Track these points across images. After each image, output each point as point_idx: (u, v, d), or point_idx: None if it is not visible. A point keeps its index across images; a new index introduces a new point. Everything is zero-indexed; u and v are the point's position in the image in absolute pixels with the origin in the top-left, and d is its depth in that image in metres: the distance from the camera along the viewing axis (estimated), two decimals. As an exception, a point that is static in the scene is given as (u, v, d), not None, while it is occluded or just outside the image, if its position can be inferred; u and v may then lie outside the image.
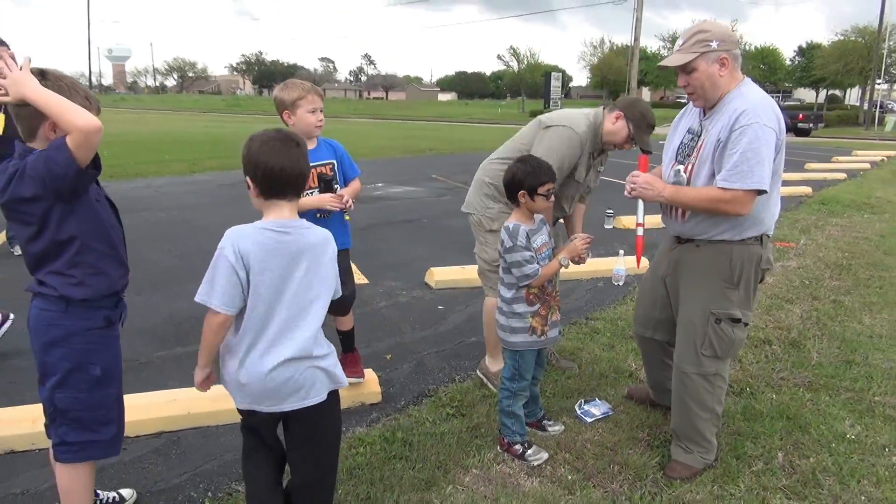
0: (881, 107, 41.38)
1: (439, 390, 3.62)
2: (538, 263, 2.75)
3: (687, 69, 2.60)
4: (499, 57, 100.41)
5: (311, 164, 3.11)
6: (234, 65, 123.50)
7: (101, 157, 2.10)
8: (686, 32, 2.65)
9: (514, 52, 77.90)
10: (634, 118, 3.26)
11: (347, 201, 3.10)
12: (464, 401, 3.46)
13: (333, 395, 2.20)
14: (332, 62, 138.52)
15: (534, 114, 51.38)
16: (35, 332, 2.10)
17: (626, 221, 7.98)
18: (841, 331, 4.61)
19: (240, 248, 1.94)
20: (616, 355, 4.11)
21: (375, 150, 18.42)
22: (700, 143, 2.68)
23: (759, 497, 2.70)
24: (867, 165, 16.85)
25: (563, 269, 2.86)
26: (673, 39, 57.97)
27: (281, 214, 2.04)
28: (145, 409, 3.11)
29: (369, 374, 3.60)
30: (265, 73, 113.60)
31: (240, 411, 2.17)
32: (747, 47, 61.30)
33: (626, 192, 2.80)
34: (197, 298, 1.96)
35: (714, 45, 2.54)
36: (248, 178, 2.02)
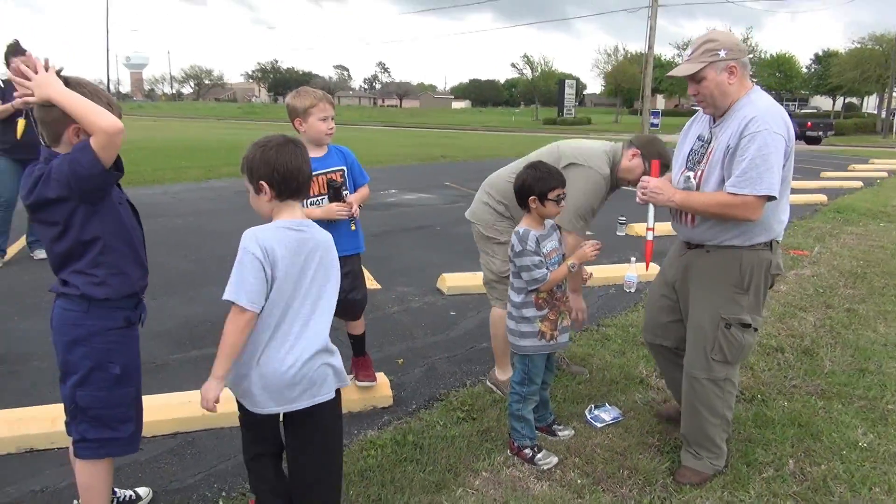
0: (899, 115, 40.97)
1: (450, 394, 3.65)
2: (547, 268, 2.78)
3: (696, 78, 2.63)
4: (513, 65, 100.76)
5: (322, 171, 3.18)
6: (250, 72, 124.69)
7: (120, 163, 2.15)
8: (695, 42, 2.69)
9: (528, 60, 77.84)
10: (651, 157, 3.32)
11: (355, 210, 3.13)
12: (474, 405, 3.49)
13: (336, 396, 2.25)
14: (347, 70, 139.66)
15: (548, 122, 51.66)
16: (58, 331, 2.16)
17: (639, 229, 7.98)
18: (855, 339, 4.59)
19: (265, 246, 1.99)
20: (627, 361, 4.12)
21: (389, 157, 18.53)
22: (710, 149, 2.70)
23: (770, 503, 2.71)
24: (884, 174, 16.70)
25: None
26: (687, 47, 57.81)
27: (294, 214, 2.11)
28: (161, 410, 3.16)
29: (381, 377, 3.64)
30: (280, 81, 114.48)
31: (240, 406, 2.19)
32: (763, 55, 60.97)
33: (637, 198, 2.83)
34: (226, 296, 1.98)
35: (722, 54, 2.58)
36: (262, 182, 2.06)
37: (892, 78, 40.74)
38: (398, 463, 2.92)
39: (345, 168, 3.30)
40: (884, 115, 42.15)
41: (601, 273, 5.68)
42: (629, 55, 65.72)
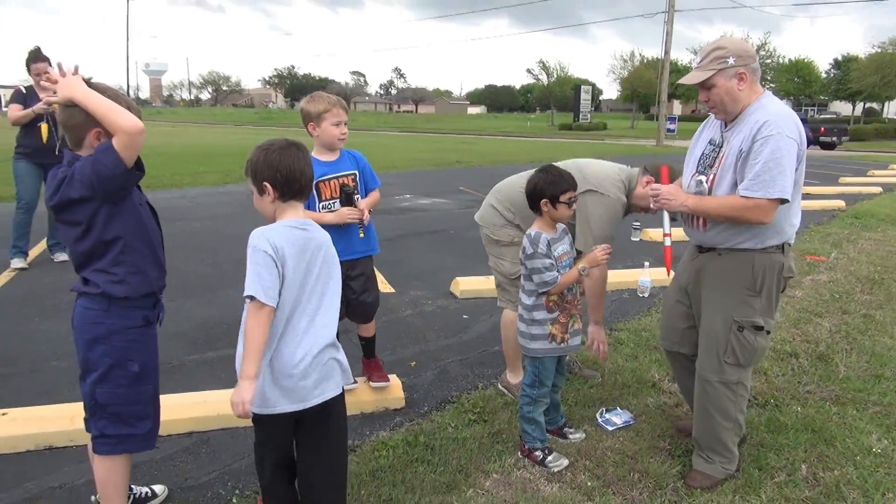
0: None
1: (462, 397, 3.67)
2: (558, 271, 2.80)
3: (706, 85, 2.65)
4: (528, 70, 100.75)
5: (334, 175, 3.22)
6: (267, 78, 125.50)
7: (138, 168, 2.21)
8: (703, 50, 2.71)
9: (544, 66, 77.86)
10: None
11: (366, 216, 3.18)
12: (486, 407, 3.51)
13: (341, 398, 2.31)
14: (363, 76, 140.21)
15: (563, 127, 51.57)
16: (79, 329, 2.22)
17: (653, 234, 7.96)
18: (871, 345, 4.55)
19: (274, 244, 2.05)
20: (639, 366, 4.11)
21: (404, 162, 18.61)
22: (722, 154, 2.71)
23: (781, 508, 2.70)
24: (904, 179, 16.51)
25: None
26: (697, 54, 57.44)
27: (297, 214, 2.18)
28: (177, 409, 3.21)
29: (393, 379, 3.67)
30: (297, 87, 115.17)
31: (255, 419, 2.20)
32: (781, 60, 60.51)
33: (651, 205, 2.84)
34: (248, 292, 2.02)
35: (731, 61, 2.60)
36: (265, 183, 2.12)
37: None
38: (409, 463, 2.95)
39: (356, 172, 3.33)
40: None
41: (615, 277, 5.68)
42: (645, 60, 65.52)
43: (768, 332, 2.79)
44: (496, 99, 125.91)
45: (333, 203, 3.23)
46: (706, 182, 2.76)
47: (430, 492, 2.74)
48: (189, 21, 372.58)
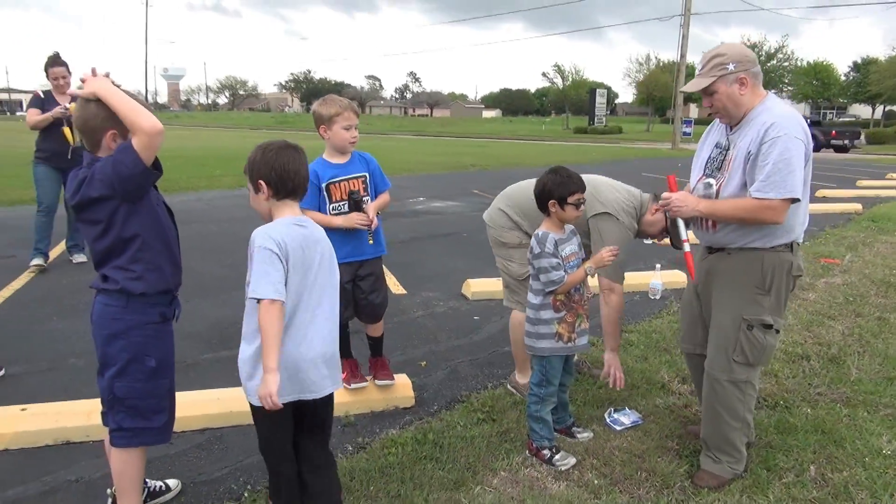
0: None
1: (471, 396, 3.70)
2: (565, 271, 2.83)
3: (708, 91, 2.70)
4: (543, 74, 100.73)
5: (344, 177, 3.27)
6: (283, 83, 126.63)
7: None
8: (704, 57, 2.76)
9: (559, 69, 77.64)
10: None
11: (373, 223, 3.23)
12: (495, 406, 3.54)
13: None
14: (379, 80, 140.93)
15: (578, 130, 51.44)
16: (98, 325, 2.29)
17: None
18: (884, 348, 4.52)
19: (278, 240, 2.13)
20: (649, 367, 4.12)
21: (419, 165, 18.69)
22: (729, 156, 2.74)
23: (788, 508, 2.70)
24: (924, 182, 16.32)
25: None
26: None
27: (294, 212, 2.26)
28: (191, 406, 3.27)
29: (403, 378, 3.71)
30: (313, 91, 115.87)
31: (261, 418, 2.29)
32: (799, 63, 59.98)
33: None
34: (253, 295, 2.07)
35: (731, 67, 2.64)
36: (260, 182, 2.21)
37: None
38: (418, 461, 2.98)
39: (367, 174, 3.36)
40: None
41: (627, 280, 5.67)
42: (661, 64, 65.25)
43: (777, 331, 2.80)
44: (511, 102, 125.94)
45: (343, 205, 3.28)
46: (715, 185, 2.79)
47: (438, 488, 2.78)
48: (206, 26, 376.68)
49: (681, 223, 2.87)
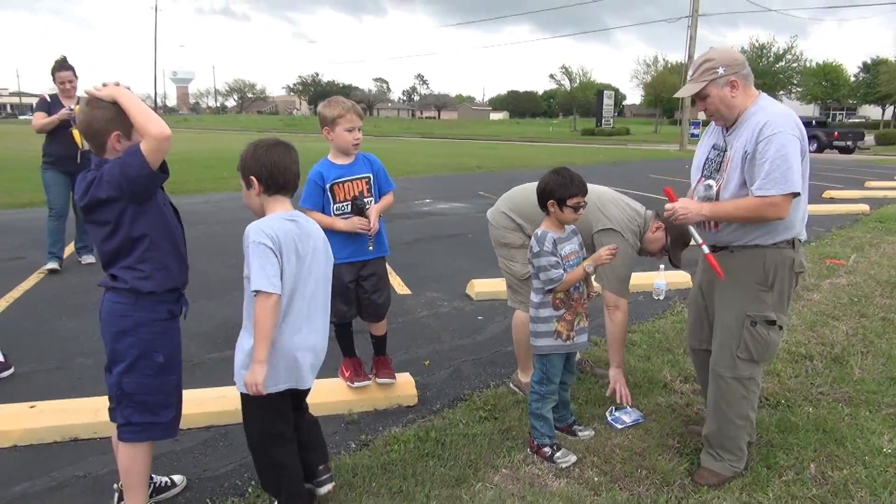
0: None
1: (474, 395, 3.74)
2: (565, 270, 2.86)
3: (700, 96, 2.76)
4: (551, 76, 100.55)
5: (349, 178, 3.31)
6: (291, 86, 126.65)
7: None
8: (694, 63, 2.81)
9: (567, 71, 77.74)
10: (674, 233, 3.42)
11: (373, 228, 3.27)
12: (497, 405, 3.56)
13: None
14: (386, 82, 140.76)
15: (586, 132, 51.37)
16: (107, 322, 2.34)
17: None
18: (888, 348, 4.52)
19: (272, 235, 2.21)
20: (651, 366, 4.14)
21: (425, 167, 18.74)
22: (727, 157, 2.78)
23: (787, 505, 2.72)
24: (933, 183, 16.22)
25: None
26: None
27: (285, 207, 2.35)
28: (197, 404, 3.31)
29: (406, 377, 3.75)
30: (321, 94, 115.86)
31: (259, 403, 2.40)
32: (808, 63, 59.68)
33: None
34: (255, 287, 2.17)
35: (721, 70, 2.69)
36: (251, 178, 2.32)
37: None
38: (420, 458, 3.02)
39: (371, 175, 3.39)
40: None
41: (631, 280, 5.69)
42: (669, 65, 65.10)
43: (781, 328, 2.83)
44: (519, 104, 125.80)
45: (347, 205, 3.31)
46: (715, 186, 2.82)
47: (439, 485, 2.81)
48: (215, 30, 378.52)
49: (692, 229, 2.90)
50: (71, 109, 5.78)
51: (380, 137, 42.41)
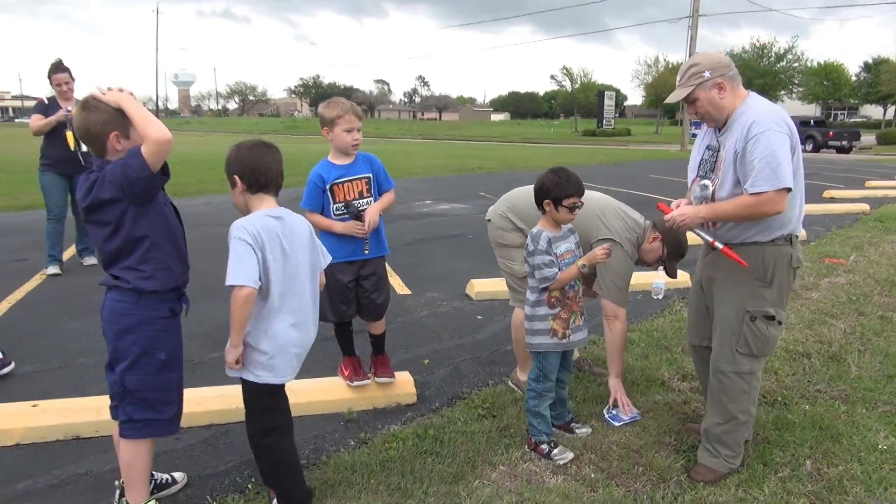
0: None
1: (472, 393, 3.76)
2: (559, 269, 2.89)
3: (689, 100, 2.80)
4: (552, 77, 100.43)
5: (348, 178, 3.34)
6: (293, 88, 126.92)
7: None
8: (682, 69, 2.86)
9: (568, 72, 77.72)
10: (670, 245, 3.46)
11: (369, 229, 3.31)
12: (495, 403, 3.59)
13: None
14: (387, 84, 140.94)
15: (587, 133, 51.37)
16: (109, 320, 2.37)
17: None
18: (885, 346, 4.54)
19: (252, 232, 2.30)
20: (649, 364, 4.16)
21: (427, 168, 18.77)
22: (720, 157, 2.82)
23: (783, 501, 2.74)
24: (933, 183, 16.21)
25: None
26: (730, 57, 56.76)
27: (269, 205, 2.42)
28: (197, 403, 3.34)
29: (406, 376, 3.77)
30: (322, 96, 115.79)
31: (262, 392, 2.52)
32: (809, 63, 59.65)
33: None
34: (228, 282, 2.27)
35: (707, 74, 2.74)
36: (235, 177, 2.40)
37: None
38: (419, 455, 3.04)
39: (370, 175, 3.40)
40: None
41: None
42: (670, 66, 65.05)
43: (780, 323, 2.87)
44: (520, 106, 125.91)
45: (343, 205, 3.34)
46: (710, 185, 2.86)
47: (437, 482, 2.83)
48: (216, 33, 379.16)
49: (699, 232, 2.93)
50: (68, 111, 5.79)
51: (381, 139, 42.46)
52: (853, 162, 24.22)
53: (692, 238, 3.21)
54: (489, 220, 3.79)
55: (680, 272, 6.18)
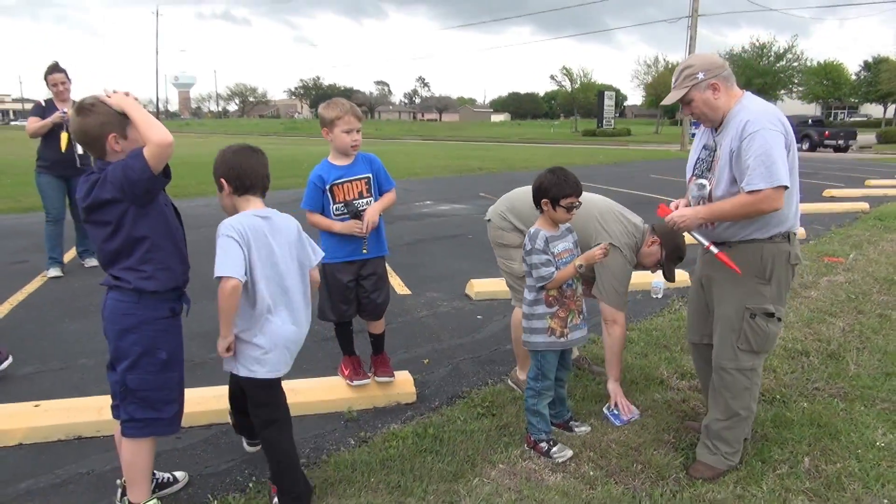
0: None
1: (472, 392, 3.78)
2: (557, 268, 2.91)
3: (685, 101, 2.84)
4: (552, 77, 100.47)
5: (348, 179, 3.36)
6: (293, 89, 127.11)
7: (166, 177, 2.40)
8: (676, 71, 2.89)
9: (568, 72, 77.66)
10: (668, 248, 3.46)
11: (368, 228, 3.32)
12: (495, 402, 3.61)
13: None
14: (388, 85, 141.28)
15: (587, 133, 51.40)
16: (110, 320, 2.39)
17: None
18: (884, 344, 4.55)
19: (238, 229, 2.39)
20: (648, 363, 4.18)
21: (426, 169, 18.79)
22: (717, 156, 2.85)
23: (781, 498, 2.75)
24: (933, 181, 16.22)
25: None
26: (730, 57, 56.85)
27: (256, 205, 2.51)
28: (198, 403, 3.36)
29: (405, 375, 3.79)
30: (322, 97, 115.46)
31: (263, 388, 2.60)
32: (809, 63, 59.62)
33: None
34: (217, 273, 2.34)
35: (701, 76, 2.77)
36: (222, 180, 2.50)
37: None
38: (418, 454, 3.06)
39: (371, 175, 3.42)
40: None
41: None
42: (670, 65, 65.01)
43: (779, 320, 2.89)
44: (520, 106, 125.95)
45: (343, 204, 3.35)
46: (708, 184, 2.88)
47: (437, 480, 2.85)
48: (216, 35, 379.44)
49: (695, 234, 2.95)
50: (64, 112, 5.80)
51: (381, 140, 42.48)
52: (853, 161, 24.23)
53: (690, 238, 3.23)
54: (489, 220, 3.80)
55: (679, 272, 6.21)
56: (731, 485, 2.84)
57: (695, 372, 3.56)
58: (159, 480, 2.75)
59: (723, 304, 2.92)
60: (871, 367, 4.14)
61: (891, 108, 59.14)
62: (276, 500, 2.61)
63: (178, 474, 2.85)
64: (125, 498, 2.56)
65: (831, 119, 56.81)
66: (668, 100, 2.91)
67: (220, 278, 2.35)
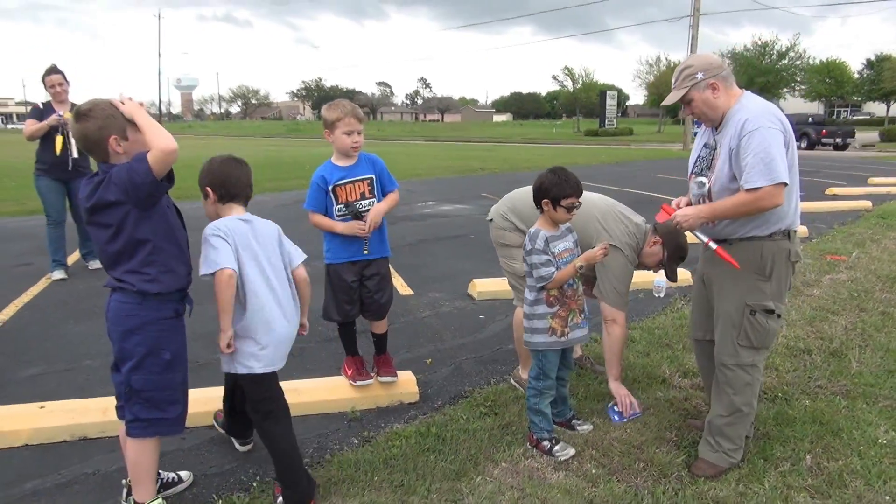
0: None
1: (475, 391, 3.79)
2: (557, 268, 2.92)
3: (685, 101, 2.87)
4: (554, 77, 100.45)
5: (350, 180, 3.37)
6: (295, 91, 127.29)
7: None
8: (675, 71, 2.91)
9: (569, 72, 77.61)
10: (670, 248, 3.47)
11: (370, 228, 3.34)
12: (497, 401, 3.62)
13: None
14: (389, 86, 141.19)
15: (589, 133, 51.39)
16: (114, 322, 2.41)
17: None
18: (886, 342, 4.55)
19: (223, 229, 2.48)
20: (650, 362, 4.19)
21: (429, 170, 18.81)
22: (716, 155, 2.87)
23: (783, 495, 2.76)
24: (936, 179, 16.19)
25: None
26: (732, 56, 56.79)
27: (238, 212, 2.60)
28: (203, 403, 3.37)
29: (408, 374, 3.81)
30: (324, 99, 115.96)
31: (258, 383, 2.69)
32: (812, 61, 59.53)
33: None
34: (204, 271, 2.42)
35: (700, 76, 2.79)
36: (207, 188, 2.61)
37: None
38: (421, 453, 3.07)
39: (373, 176, 3.43)
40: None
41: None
42: (672, 65, 64.99)
43: (779, 316, 2.91)
44: (522, 106, 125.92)
45: (344, 205, 3.37)
46: (707, 182, 2.89)
47: (440, 478, 2.86)
48: (218, 37, 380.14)
49: (696, 231, 2.96)
50: (60, 115, 5.82)
51: (383, 141, 42.56)
52: (856, 159, 24.20)
53: (692, 237, 3.24)
54: (491, 221, 3.82)
55: (681, 271, 6.22)
56: (734, 482, 2.85)
57: (697, 370, 3.57)
58: (164, 480, 2.77)
59: (723, 301, 2.94)
60: (873, 365, 4.14)
61: (894, 106, 59.00)
62: (280, 499, 2.63)
63: (183, 474, 2.87)
64: (131, 498, 2.58)
65: (834, 117, 56.68)
66: (669, 100, 2.94)
67: (213, 273, 2.42)
